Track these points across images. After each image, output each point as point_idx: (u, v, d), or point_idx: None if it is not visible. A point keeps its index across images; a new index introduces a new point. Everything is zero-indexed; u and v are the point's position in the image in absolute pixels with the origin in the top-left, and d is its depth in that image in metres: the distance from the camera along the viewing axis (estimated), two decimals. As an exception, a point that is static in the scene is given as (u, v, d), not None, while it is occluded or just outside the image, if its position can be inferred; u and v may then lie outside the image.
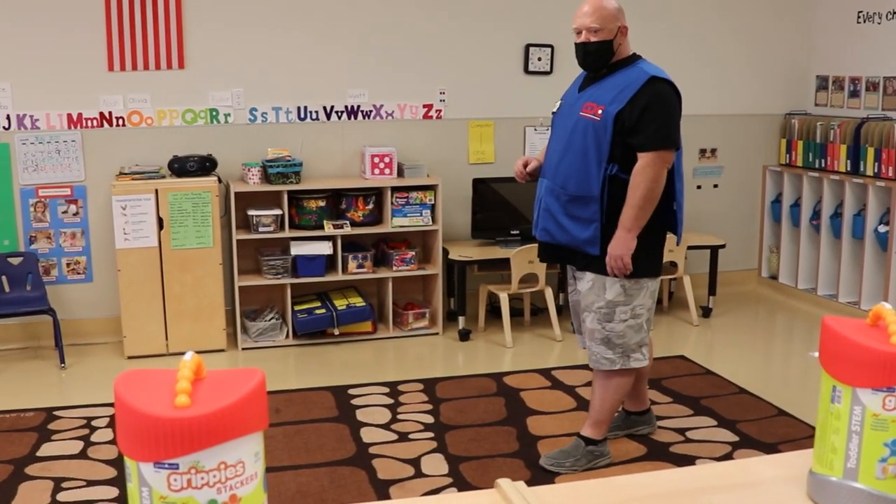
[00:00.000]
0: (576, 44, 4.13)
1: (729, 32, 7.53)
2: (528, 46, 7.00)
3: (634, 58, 4.18)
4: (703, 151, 7.66)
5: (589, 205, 4.06)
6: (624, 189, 4.03)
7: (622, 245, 4.02)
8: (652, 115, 3.96)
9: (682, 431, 4.82)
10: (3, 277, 6.13)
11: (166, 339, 6.14)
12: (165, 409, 0.90)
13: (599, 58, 4.09)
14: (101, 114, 6.29)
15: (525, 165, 4.40)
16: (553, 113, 4.36)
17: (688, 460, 4.44)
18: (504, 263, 6.34)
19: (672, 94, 4.06)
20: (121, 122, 6.33)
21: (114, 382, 0.95)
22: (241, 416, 0.93)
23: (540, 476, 4.26)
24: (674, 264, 6.78)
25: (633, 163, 4.01)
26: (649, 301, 4.22)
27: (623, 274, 4.06)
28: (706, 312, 7.09)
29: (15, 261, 6.17)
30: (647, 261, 4.14)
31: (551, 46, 7.00)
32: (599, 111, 4.01)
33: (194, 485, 0.92)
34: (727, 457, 4.49)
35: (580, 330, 4.48)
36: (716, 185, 7.75)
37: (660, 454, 4.53)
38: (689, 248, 6.87)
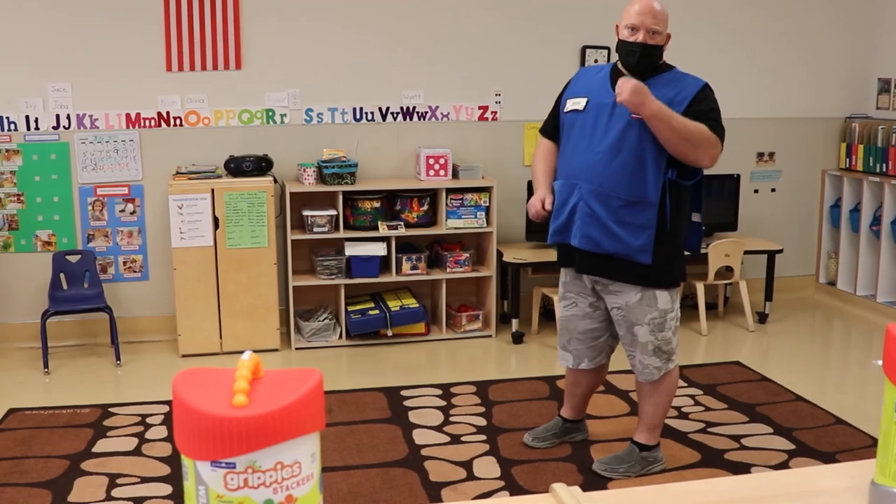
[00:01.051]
0: (628, 41, 3.99)
1: (788, 35, 7.43)
2: (584, 48, 6.96)
3: (668, 64, 4.13)
4: (760, 155, 7.57)
5: (644, 210, 3.97)
6: (682, 194, 4.03)
7: (649, 103, 3.79)
8: (713, 115, 3.95)
9: (737, 438, 4.77)
10: (62, 275, 6.22)
11: (220, 337, 6.19)
12: (223, 409, 0.90)
13: (652, 61, 4.02)
14: (159, 114, 6.36)
15: (542, 204, 4.25)
16: (575, 111, 4.15)
17: (743, 468, 4.39)
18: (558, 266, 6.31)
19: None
20: (178, 122, 6.40)
21: (172, 381, 0.95)
22: (298, 417, 0.93)
23: (592, 481, 4.23)
24: (730, 269, 6.71)
25: (690, 168, 4.00)
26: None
27: (627, 94, 3.80)
28: (762, 318, 7.00)
29: (73, 258, 6.26)
30: (682, 264, 4.18)
31: (608, 48, 6.96)
32: None
33: (251, 484, 0.92)
34: (783, 465, 4.43)
35: (569, 347, 4.43)
36: (773, 189, 7.66)
37: (714, 461, 4.49)
38: (746, 252, 6.78)
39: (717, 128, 3.95)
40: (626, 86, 3.79)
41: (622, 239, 4.00)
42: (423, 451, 4.61)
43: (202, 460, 0.92)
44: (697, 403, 5.27)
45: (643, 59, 3.99)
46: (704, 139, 3.87)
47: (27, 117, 6.20)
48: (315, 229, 6.28)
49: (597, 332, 4.34)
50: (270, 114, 6.54)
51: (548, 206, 4.23)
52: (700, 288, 6.69)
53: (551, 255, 6.46)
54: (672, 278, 4.11)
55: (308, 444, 0.96)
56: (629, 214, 3.99)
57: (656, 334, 4.13)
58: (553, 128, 4.35)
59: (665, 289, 4.09)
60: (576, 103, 4.17)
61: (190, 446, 0.92)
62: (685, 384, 5.57)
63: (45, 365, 5.90)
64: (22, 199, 6.28)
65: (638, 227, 3.98)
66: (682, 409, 5.16)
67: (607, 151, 4.00)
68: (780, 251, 7.01)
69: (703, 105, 3.95)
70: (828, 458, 4.48)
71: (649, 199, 3.96)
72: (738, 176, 7.21)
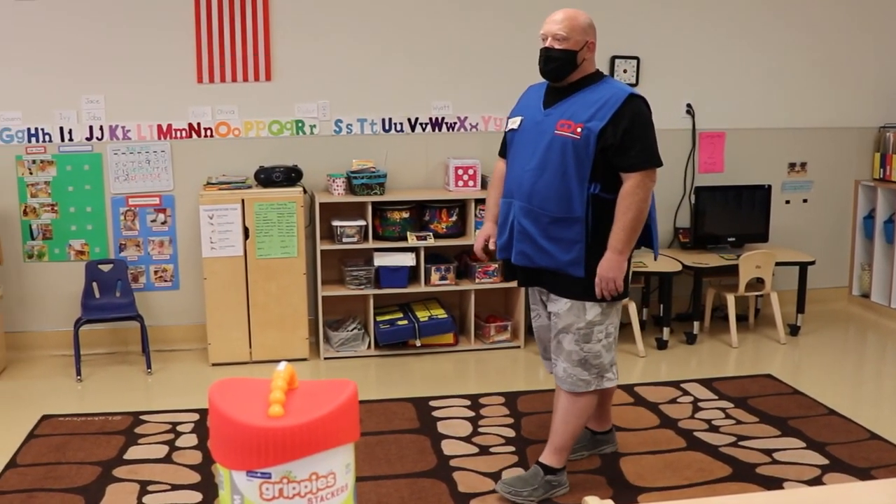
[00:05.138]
0: (540, 49, 4.06)
1: (820, 44, 7.38)
2: (613, 58, 6.94)
3: (601, 75, 4.12)
4: (792, 165, 7.52)
5: (572, 226, 3.96)
6: (606, 208, 3.95)
7: (615, 268, 3.93)
8: (636, 134, 3.89)
9: (769, 452, 4.72)
10: (94, 284, 6.26)
11: (250, 347, 6.21)
12: (259, 419, 0.90)
13: (561, 67, 4.01)
14: (190, 125, 6.40)
15: (487, 242, 4.39)
16: (512, 130, 4.20)
17: (775, 482, 4.35)
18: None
19: (648, 112, 3.99)
20: (209, 133, 6.44)
21: (208, 391, 0.95)
22: (333, 428, 0.93)
23: (622, 494, 4.21)
24: (760, 281, 6.67)
25: (614, 181, 3.94)
26: (617, 319, 4.18)
27: (612, 296, 3.98)
28: (794, 330, 6.95)
29: (105, 268, 6.31)
30: (625, 281, 4.08)
31: (637, 58, 6.94)
32: (578, 129, 3.90)
33: (286, 494, 0.92)
34: (817, 480, 4.38)
35: (546, 355, 4.41)
36: (805, 200, 7.60)
37: (746, 475, 4.45)
38: (778, 264, 6.74)
39: (639, 161, 3.90)
40: (605, 286, 3.96)
41: (552, 254, 4.02)
42: (452, 462, 4.60)
43: (238, 470, 0.92)
44: (728, 416, 5.23)
45: (549, 64, 4.03)
46: (640, 209, 3.91)
47: (61, 129, 6.26)
48: (344, 239, 6.29)
49: None
50: (300, 125, 6.57)
51: (491, 246, 4.38)
52: (731, 300, 6.65)
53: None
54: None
55: (343, 455, 0.96)
56: (558, 230, 3.99)
57: (581, 345, 4.07)
58: (505, 148, 4.38)
59: (596, 301, 4.03)
60: (513, 122, 4.22)
61: (226, 456, 0.92)
62: (715, 397, 5.53)
63: (78, 372, 5.94)
64: (56, 209, 6.33)
65: (568, 242, 3.98)
66: (713, 423, 5.12)
67: (535, 169, 4.02)
68: (813, 263, 6.95)
69: (628, 133, 3.88)
70: (862, 473, 4.43)
71: (576, 214, 3.94)
72: (770, 186, 7.16)
